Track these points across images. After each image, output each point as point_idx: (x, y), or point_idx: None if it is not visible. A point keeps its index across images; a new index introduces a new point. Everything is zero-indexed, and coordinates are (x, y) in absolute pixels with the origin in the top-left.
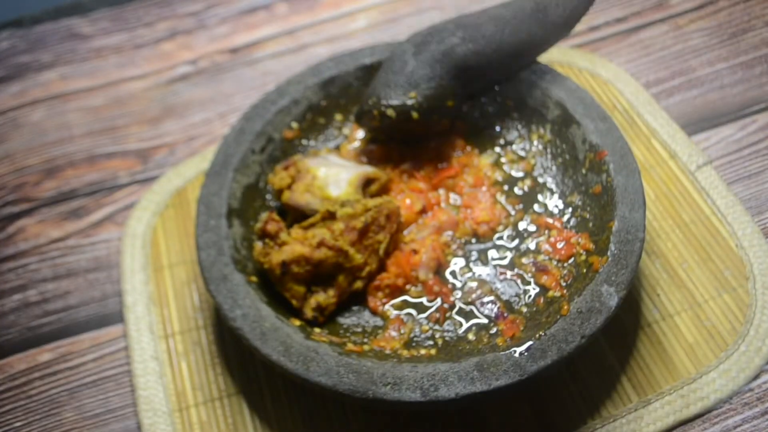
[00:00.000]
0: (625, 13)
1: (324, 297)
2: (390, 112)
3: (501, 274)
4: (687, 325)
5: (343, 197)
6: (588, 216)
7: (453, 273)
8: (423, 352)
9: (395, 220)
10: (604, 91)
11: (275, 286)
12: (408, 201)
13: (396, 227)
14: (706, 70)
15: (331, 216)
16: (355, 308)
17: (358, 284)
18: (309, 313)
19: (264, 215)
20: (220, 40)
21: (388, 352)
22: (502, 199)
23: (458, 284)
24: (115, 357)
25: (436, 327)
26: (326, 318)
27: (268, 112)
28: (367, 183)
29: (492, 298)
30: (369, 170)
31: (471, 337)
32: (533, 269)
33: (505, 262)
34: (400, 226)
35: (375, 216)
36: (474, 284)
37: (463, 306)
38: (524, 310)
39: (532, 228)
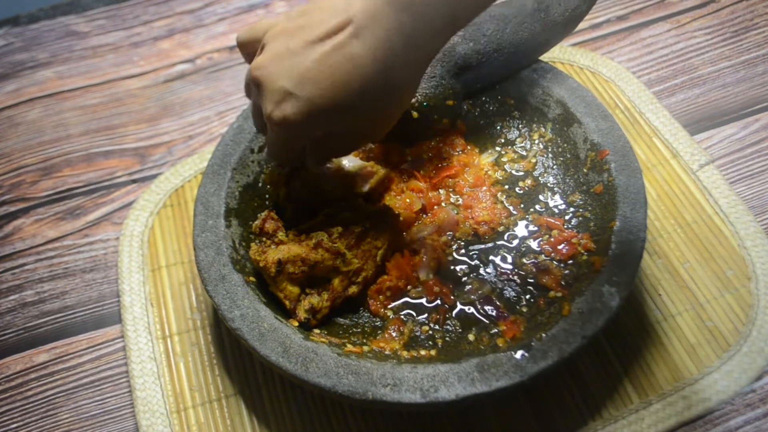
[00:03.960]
0: (626, 11)
1: (318, 300)
2: None
3: (501, 274)
4: (689, 326)
5: (355, 169)
6: (589, 216)
7: (453, 273)
8: (423, 352)
9: (395, 227)
10: (606, 89)
11: (269, 286)
12: (408, 201)
13: (395, 235)
14: (709, 69)
15: (330, 219)
16: (354, 309)
17: (354, 289)
18: (302, 314)
19: (262, 213)
20: (219, 38)
21: (387, 352)
22: (502, 198)
23: (458, 284)
24: (113, 358)
25: (436, 327)
26: (318, 321)
27: None
28: (367, 176)
29: (492, 298)
30: (369, 164)
31: (471, 337)
32: (534, 269)
33: (506, 262)
34: (400, 232)
35: (375, 221)
36: (474, 284)
37: (464, 306)
38: (525, 310)
39: (533, 228)
